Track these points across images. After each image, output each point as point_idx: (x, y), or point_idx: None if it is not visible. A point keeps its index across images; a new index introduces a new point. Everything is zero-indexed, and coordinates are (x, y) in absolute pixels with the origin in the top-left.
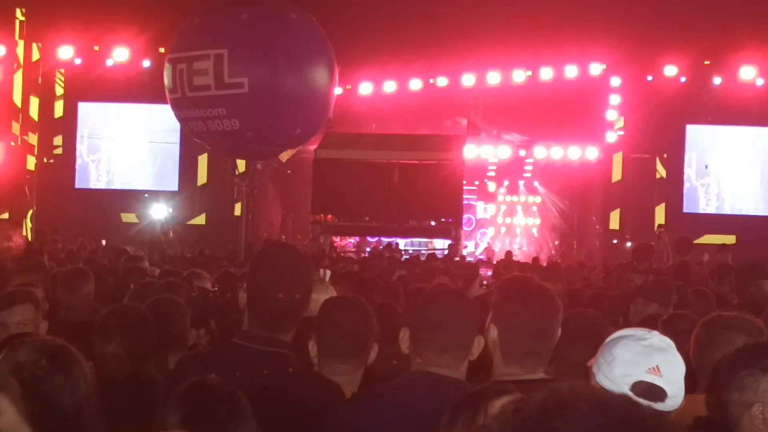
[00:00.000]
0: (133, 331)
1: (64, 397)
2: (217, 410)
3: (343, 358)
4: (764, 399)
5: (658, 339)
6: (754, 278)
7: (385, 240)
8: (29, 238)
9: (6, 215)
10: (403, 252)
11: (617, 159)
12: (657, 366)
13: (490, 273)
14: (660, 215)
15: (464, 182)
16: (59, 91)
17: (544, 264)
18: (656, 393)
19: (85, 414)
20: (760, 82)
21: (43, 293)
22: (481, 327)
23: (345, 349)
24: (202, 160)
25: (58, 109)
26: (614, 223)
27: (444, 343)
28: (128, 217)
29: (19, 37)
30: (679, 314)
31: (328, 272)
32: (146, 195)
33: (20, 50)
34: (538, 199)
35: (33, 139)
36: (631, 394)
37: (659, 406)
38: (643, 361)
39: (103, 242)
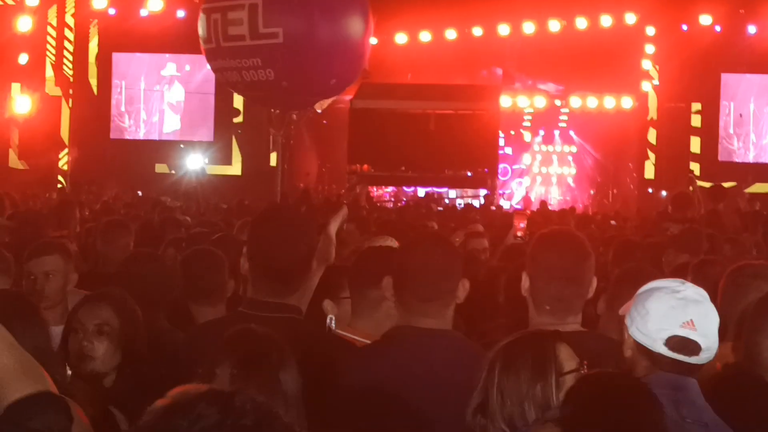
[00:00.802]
0: (144, 279)
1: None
2: (270, 357)
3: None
4: None
5: (692, 291)
6: None
7: (422, 190)
8: (65, 189)
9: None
10: (443, 201)
11: (652, 108)
12: (691, 320)
13: (524, 225)
14: (695, 164)
15: (500, 132)
16: (93, 41)
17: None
18: (691, 347)
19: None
20: None
21: (75, 246)
22: (466, 272)
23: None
24: (238, 112)
25: (93, 59)
26: (649, 172)
27: (428, 291)
28: (163, 168)
29: None
30: (708, 260)
31: (395, 241)
32: (182, 145)
33: (54, 1)
34: (574, 149)
35: (67, 90)
36: (665, 348)
37: (693, 359)
38: (677, 314)
39: (139, 193)
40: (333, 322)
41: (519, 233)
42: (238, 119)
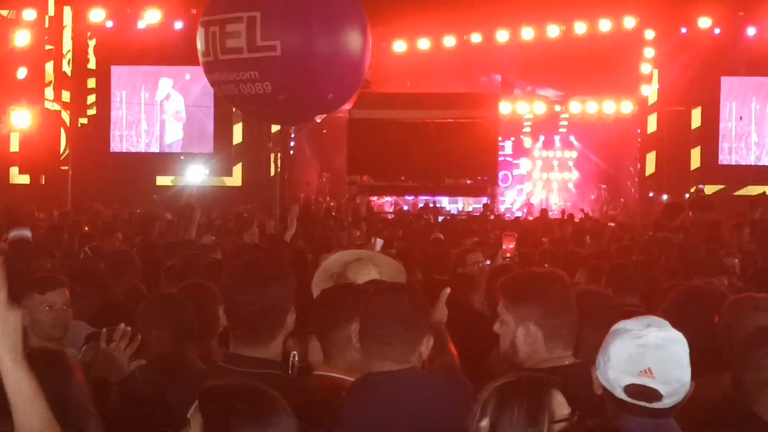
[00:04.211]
0: (173, 316)
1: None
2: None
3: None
4: None
5: (654, 336)
6: None
7: (422, 199)
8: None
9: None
10: (443, 211)
11: (652, 112)
12: (649, 368)
13: (512, 246)
14: (695, 166)
15: (500, 139)
16: (91, 55)
17: (578, 220)
18: (650, 394)
19: None
20: None
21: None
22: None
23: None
24: (237, 121)
25: (91, 73)
26: (650, 168)
27: (388, 335)
28: (164, 180)
29: (50, 2)
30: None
31: (380, 241)
32: (182, 157)
33: (51, 15)
34: (575, 154)
35: (66, 104)
36: (625, 395)
37: (656, 404)
38: (636, 362)
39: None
40: (296, 357)
41: (508, 255)
42: (238, 142)
